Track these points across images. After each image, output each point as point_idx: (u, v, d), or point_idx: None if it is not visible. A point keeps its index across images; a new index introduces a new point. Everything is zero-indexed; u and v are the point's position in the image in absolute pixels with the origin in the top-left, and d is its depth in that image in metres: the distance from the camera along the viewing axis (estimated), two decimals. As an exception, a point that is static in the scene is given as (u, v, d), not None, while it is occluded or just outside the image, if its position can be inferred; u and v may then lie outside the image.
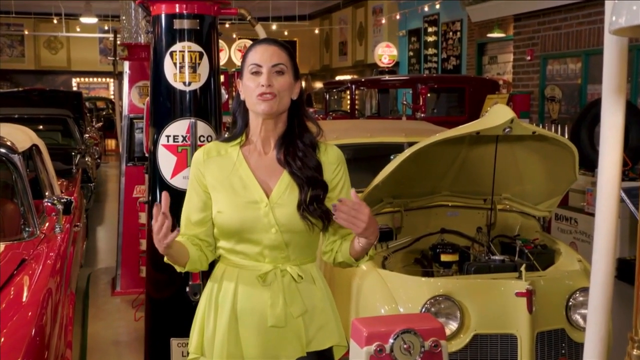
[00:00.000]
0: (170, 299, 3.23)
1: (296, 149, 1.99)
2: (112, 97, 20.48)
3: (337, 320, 2.10)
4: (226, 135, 2.10)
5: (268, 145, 2.03)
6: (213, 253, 2.08)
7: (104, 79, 24.73)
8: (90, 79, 25.15)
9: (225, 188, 1.98)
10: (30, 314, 2.52)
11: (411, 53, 16.60)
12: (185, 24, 3.14)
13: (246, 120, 2.04)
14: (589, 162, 6.36)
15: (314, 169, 1.99)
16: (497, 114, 2.93)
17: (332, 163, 2.03)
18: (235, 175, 1.99)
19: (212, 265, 2.12)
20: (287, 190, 1.97)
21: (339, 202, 1.81)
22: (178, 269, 2.02)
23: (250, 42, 2.57)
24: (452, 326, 2.94)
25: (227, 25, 18.57)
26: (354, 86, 10.81)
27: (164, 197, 1.85)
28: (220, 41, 3.37)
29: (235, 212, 1.96)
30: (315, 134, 2.05)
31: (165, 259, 1.98)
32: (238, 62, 11.61)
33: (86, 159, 8.62)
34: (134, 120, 5.72)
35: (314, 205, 1.95)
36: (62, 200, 3.69)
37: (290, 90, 1.99)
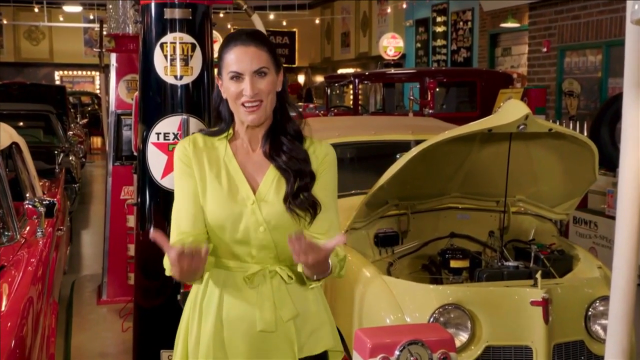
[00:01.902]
0: (160, 308, 3.23)
1: (281, 143, 2.01)
2: (98, 91, 20.52)
3: (331, 324, 2.10)
4: (211, 129, 2.09)
5: (255, 142, 2.04)
6: None
7: (89, 72, 24.78)
8: (75, 72, 25.20)
9: (212, 183, 1.98)
10: (9, 324, 2.52)
11: (419, 45, 16.62)
12: (177, 13, 3.14)
13: (232, 114, 2.03)
14: (610, 162, 6.36)
15: (301, 161, 2.00)
16: (511, 110, 2.93)
17: (319, 156, 2.04)
18: (223, 170, 2.00)
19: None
20: (274, 186, 1.99)
21: (295, 236, 1.75)
22: (197, 282, 2.01)
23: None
24: (462, 337, 2.94)
25: (221, 15, 18.59)
26: (357, 80, 10.82)
27: (158, 236, 1.76)
28: (214, 32, 3.37)
29: (220, 208, 1.96)
30: (298, 119, 2.06)
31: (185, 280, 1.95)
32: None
33: (70, 158, 8.63)
34: (122, 117, 5.73)
35: (302, 196, 1.96)
36: (44, 202, 3.69)
37: (274, 88, 1.98)
